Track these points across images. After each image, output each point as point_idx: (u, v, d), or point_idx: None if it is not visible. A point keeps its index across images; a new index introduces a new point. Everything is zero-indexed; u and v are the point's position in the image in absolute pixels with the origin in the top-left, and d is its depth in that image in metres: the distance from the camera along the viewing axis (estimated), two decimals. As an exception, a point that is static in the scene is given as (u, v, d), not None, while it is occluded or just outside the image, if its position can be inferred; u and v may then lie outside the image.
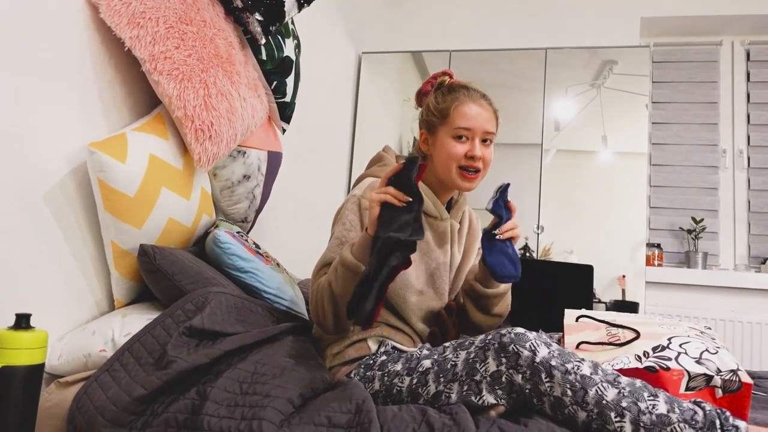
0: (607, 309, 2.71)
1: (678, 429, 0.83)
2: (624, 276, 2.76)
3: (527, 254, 2.88)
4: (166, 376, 0.95)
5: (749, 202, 3.14)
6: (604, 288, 2.77)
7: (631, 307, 2.69)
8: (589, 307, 2.19)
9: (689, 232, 3.10)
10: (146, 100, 1.37)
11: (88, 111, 1.22)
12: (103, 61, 1.25)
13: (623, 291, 2.75)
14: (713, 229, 3.15)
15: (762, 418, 1.04)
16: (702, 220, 3.09)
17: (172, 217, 1.29)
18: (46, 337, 0.90)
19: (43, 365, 0.90)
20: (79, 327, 1.17)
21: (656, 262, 3.07)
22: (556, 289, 2.12)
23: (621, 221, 2.82)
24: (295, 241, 2.37)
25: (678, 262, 3.18)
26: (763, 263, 3.02)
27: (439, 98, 1.24)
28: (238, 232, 1.51)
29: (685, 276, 3.01)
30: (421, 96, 1.33)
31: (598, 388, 0.88)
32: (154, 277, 1.20)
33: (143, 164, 1.19)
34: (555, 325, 1.44)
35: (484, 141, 1.21)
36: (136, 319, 1.14)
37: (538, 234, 2.88)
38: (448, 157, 1.19)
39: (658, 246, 3.13)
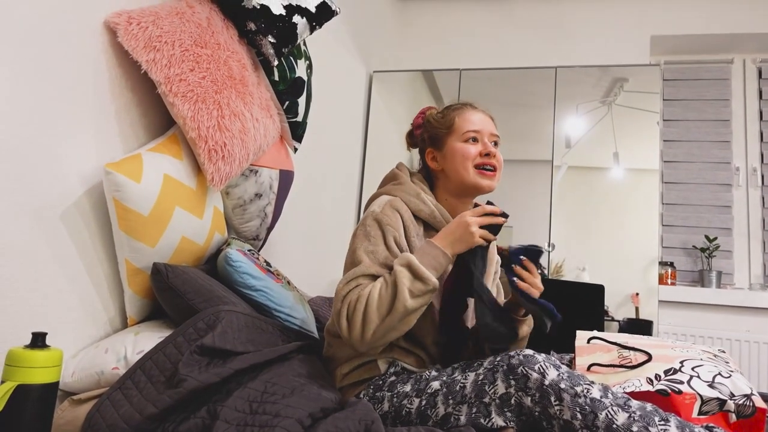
0: (620, 327, 2.68)
1: (690, 455, 0.82)
2: (637, 294, 2.74)
3: (539, 271, 2.86)
4: (177, 395, 0.96)
5: (764, 220, 3.11)
6: (617, 306, 2.74)
7: (645, 326, 2.66)
8: (601, 328, 2.17)
9: (703, 250, 3.07)
10: (161, 120, 1.40)
11: (104, 132, 1.24)
12: (120, 83, 1.28)
13: (636, 309, 2.72)
14: (727, 247, 3.11)
15: (777, 444, 1.02)
16: (716, 238, 3.06)
17: (185, 236, 1.31)
18: (61, 356, 0.92)
19: (57, 383, 0.91)
20: (93, 344, 1.19)
21: (669, 281, 3.04)
22: (567, 308, 2.10)
23: (633, 239, 2.80)
24: (305, 259, 2.39)
25: (692, 281, 3.14)
26: (779, 282, 2.98)
27: (439, 116, 1.29)
28: (249, 250, 1.52)
29: (698, 295, 2.97)
30: (414, 131, 1.37)
31: (608, 411, 0.87)
32: (167, 295, 1.22)
33: (158, 184, 1.21)
34: (566, 346, 1.43)
35: (492, 144, 1.25)
36: (149, 337, 1.15)
37: (549, 252, 2.87)
38: (463, 158, 1.22)
39: (671, 264, 3.10)
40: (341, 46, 2.76)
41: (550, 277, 2.84)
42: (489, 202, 1.16)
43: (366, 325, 1.04)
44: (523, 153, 3.04)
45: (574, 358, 1.24)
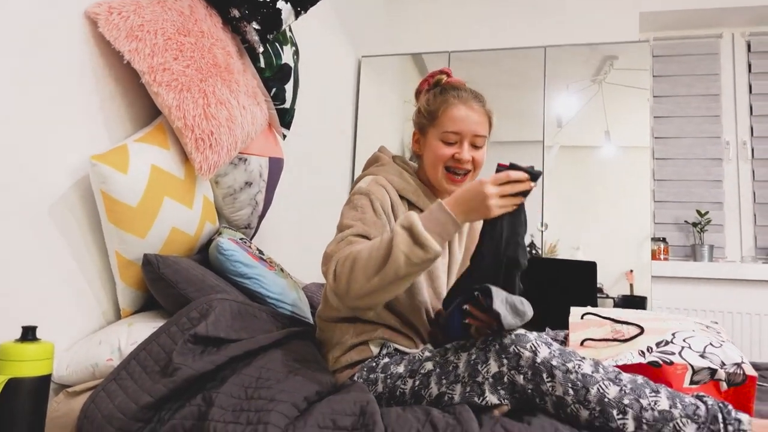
0: (615, 304, 2.70)
1: (680, 424, 0.84)
2: (631, 271, 2.76)
3: (533, 252, 2.88)
4: (172, 384, 0.96)
5: (754, 194, 3.13)
6: (611, 283, 2.76)
7: (639, 302, 2.68)
8: (594, 304, 2.19)
9: (694, 225, 3.09)
10: (147, 111, 1.38)
11: (89, 123, 1.23)
12: (103, 73, 1.27)
13: (631, 286, 2.75)
14: (719, 221, 3.13)
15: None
16: (707, 212, 3.08)
17: (175, 226, 1.30)
18: (52, 349, 0.92)
19: (49, 376, 0.91)
20: (86, 337, 1.19)
21: (662, 256, 3.07)
22: (561, 286, 2.12)
23: (626, 216, 2.81)
24: (298, 246, 2.39)
25: (684, 256, 3.17)
26: (771, 255, 3.01)
27: (430, 99, 1.24)
28: (241, 239, 1.52)
29: (691, 269, 2.99)
30: (419, 94, 1.34)
31: (600, 386, 0.88)
32: (159, 285, 1.22)
33: (145, 175, 1.20)
34: (561, 323, 1.45)
35: (474, 144, 1.21)
36: (142, 328, 1.15)
37: (542, 232, 2.88)
38: (435, 158, 1.20)
39: (664, 240, 3.12)
40: (328, 31, 2.74)
41: (544, 257, 2.85)
42: (512, 164, 1.02)
43: (351, 283, 0.98)
44: (514, 134, 3.04)
45: (568, 334, 1.25)
